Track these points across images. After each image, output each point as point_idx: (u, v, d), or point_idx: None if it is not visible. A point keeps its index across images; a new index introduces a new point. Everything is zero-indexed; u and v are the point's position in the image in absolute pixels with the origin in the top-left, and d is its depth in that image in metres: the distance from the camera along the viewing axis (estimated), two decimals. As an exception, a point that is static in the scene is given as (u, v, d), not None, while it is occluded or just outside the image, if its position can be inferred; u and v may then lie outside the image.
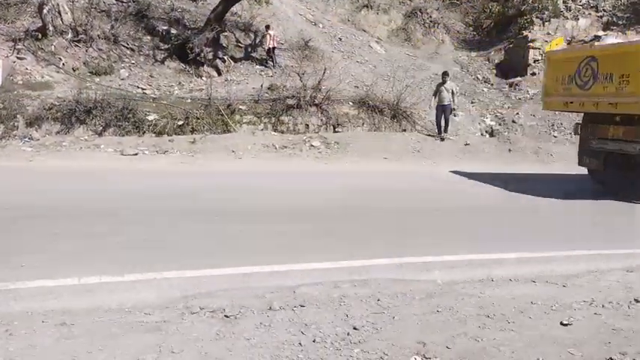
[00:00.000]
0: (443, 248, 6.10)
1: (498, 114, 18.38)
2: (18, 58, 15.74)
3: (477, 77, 21.18)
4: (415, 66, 20.93)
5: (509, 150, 16.15)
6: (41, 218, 7.14)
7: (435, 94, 16.19)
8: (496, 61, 22.07)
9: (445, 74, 16.50)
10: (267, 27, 19.70)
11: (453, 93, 15.95)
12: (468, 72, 21.58)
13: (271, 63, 19.39)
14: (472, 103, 19.13)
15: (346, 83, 18.55)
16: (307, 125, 16.56)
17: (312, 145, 14.95)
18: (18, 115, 13.67)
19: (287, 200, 9.03)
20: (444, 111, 15.98)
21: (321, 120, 16.76)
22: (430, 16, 24.40)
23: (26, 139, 13.21)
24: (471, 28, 25.43)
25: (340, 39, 22.43)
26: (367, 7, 24.36)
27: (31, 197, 8.42)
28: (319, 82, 16.90)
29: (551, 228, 7.93)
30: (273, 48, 19.42)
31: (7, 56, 15.56)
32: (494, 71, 21.54)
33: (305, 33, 21.26)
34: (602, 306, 4.54)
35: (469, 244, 6.44)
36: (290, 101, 16.56)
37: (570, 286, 5.10)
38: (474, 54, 23.09)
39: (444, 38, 24.06)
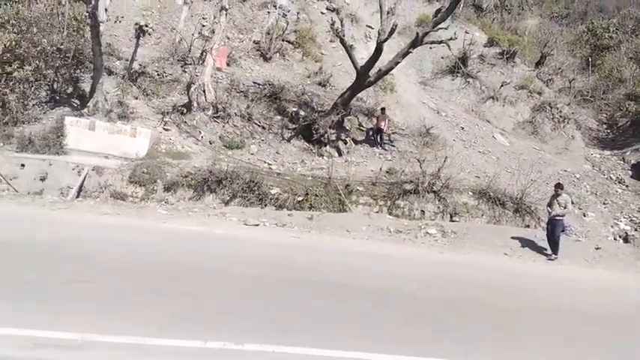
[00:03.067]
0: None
1: (634, 218, 17.00)
2: (164, 129, 17.59)
3: (610, 177, 19.96)
4: (542, 161, 20.26)
5: (648, 260, 14.72)
6: (168, 277, 7.69)
7: (548, 206, 14.84)
8: (632, 162, 20.73)
9: (558, 186, 14.33)
10: (383, 110, 20.44)
11: (566, 207, 13.69)
12: (600, 171, 20.44)
13: (379, 142, 20.02)
14: (604, 204, 17.94)
15: (467, 172, 18.36)
16: (423, 212, 16.46)
17: (427, 233, 14.71)
18: (158, 180, 15.08)
19: (398, 287, 8.92)
20: (554, 226, 13.69)
21: (438, 207, 16.59)
22: (560, 111, 23.78)
23: (163, 203, 14.45)
24: (604, 126, 24.35)
25: (463, 128, 22.47)
26: (493, 98, 24.32)
27: (159, 257, 9.16)
28: (439, 169, 16.91)
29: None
30: (382, 130, 19.99)
31: (155, 127, 17.44)
32: (630, 172, 20.19)
33: (427, 120, 21.61)
34: None
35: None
36: (407, 186, 16.64)
37: None
38: (607, 152, 21.94)
39: (575, 134, 23.19)
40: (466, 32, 25.48)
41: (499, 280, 10.70)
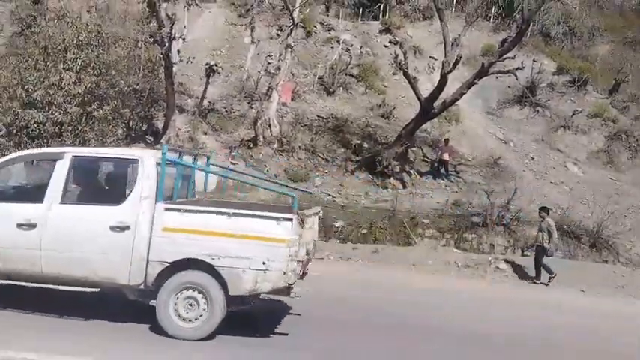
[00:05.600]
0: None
1: None
2: (232, 163, 18.14)
3: (697, 209, 18.74)
4: (619, 192, 19.37)
5: None
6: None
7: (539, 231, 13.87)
8: None
9: (542, 209, 13.97)
10: (447, 141, 20.27)
11: (549, 233, 13.26)
12: (686, 203, 19.24)
13: (443, 174, 19.85)
14: (693, 238, 16.83)
15: (538, 204, 17.77)
16: (492, 245, 16.00)
17: (497, 268, 14.23)
18: (225, 214, 15.49)
19: (469, 327, 8.60)
20: (537, 253, 13.48)
21: (509, 241, 16.10)
22: (637, 140, 22.77)
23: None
24: (689, 154, 23.01)
25: (532, 158, 21.92)
26: (564, 127, 23.66)
27: None
28: (508, 201, 16.49)
29: None
30: (443, 160, 19.77)
31: (223, 161, 18.01)
32: None
33: (494, 151, 21.25)
34: None
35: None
36: (475, 219, 16.28)
37: None
38: (693, 183, 20.67)
39: (655, 163, 22.09)
40: (534, 60, 25.00)
41: (580, 323, 9.97)
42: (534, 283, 13.32)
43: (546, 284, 13.21)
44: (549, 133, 23.95)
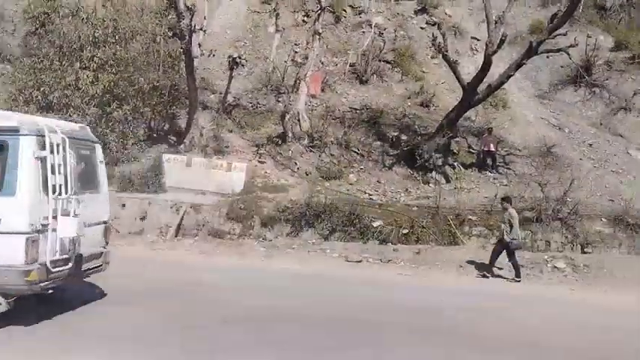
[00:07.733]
0: None
1: None
2: (259, 162, 18.17)
3: None
4: (690, 178, 18.65)
5: None
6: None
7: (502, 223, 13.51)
8: None
9: (504, 200, 13.74)
10: (490, 130, 19.77)
11: (511, 225, 12.89)
12: None
13: (491, 166, 19.40)
14: None
15: (598, 196, 17.34)
16: (548, 243, 15.57)
17: (555, 267, 13.84)
18: (255, 216, 15.48)
19: (529, 336, 8.37)
20: (502, 247, 13.09)
21: (566, 237, 15.63)
22: None
23: (260, 239, 14.81)
24: None
25: (590, 145, 21.31)
26: (625, 109, 22.96)
27: (251, 301, 9.32)
28: (565, 193, 16.04)
29: None
30: (489, 151, 19.26)
31: (251, 160, 18.06)
32: None
33: (547, 138, 20.71)
34: None
35: None
36: (528, 214, 15.83)
37: None
38: None
39: None
40: (588, 36, 24.28)
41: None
42: (486, 276, 13.22)
43: (501, 277, 13.19)
44: (608, 117, 23.30)
